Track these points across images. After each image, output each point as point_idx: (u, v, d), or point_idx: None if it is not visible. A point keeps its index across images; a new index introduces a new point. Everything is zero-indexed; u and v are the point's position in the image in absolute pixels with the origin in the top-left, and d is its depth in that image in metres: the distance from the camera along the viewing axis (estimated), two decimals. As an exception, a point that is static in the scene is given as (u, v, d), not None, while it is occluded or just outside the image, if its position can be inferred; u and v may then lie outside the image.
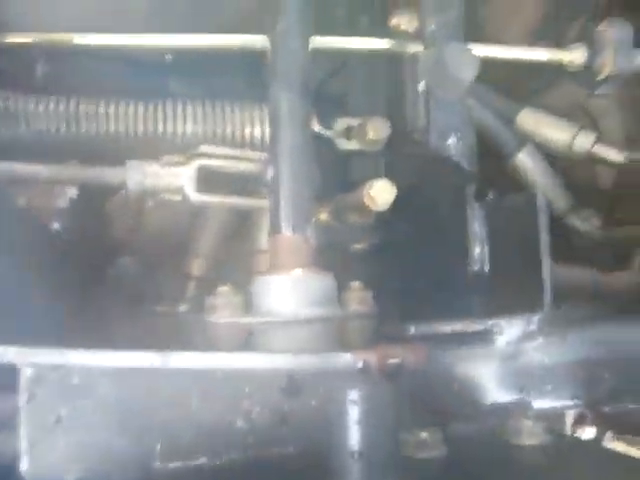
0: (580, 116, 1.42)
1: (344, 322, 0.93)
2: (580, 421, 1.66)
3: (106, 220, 1.45)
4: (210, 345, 0.89)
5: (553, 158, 1.35)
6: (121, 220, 1.46)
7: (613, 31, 1.20)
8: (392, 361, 0.65)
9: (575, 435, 1.67)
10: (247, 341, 0.93)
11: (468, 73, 1.05)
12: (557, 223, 1.33)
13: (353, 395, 0.67)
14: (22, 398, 0.75)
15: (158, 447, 0.79)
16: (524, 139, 1.31)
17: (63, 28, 1.17)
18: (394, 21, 1.20)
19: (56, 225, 1.29)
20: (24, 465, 0.75)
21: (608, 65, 1.21)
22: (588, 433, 1.71)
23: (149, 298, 1.35)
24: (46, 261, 1.09)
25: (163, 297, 1.36)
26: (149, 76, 1.38)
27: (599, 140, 1.31)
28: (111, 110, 1.17)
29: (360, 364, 0.64)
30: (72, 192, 1.26)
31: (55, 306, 1.06)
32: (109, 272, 1.41)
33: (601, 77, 1.22)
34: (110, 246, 1.43)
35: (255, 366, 0.67)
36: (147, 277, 1.39)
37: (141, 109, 1.18)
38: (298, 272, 0.99)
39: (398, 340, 0.76)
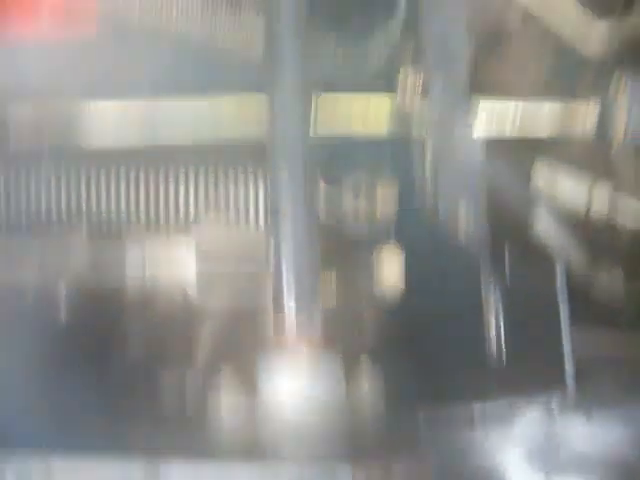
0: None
1: (349, 411, 0.89)
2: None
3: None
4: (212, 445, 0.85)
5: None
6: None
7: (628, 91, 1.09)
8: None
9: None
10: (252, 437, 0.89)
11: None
12: (580, 282, 1.26)
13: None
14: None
15: None
16: (538, 195, 1.25)
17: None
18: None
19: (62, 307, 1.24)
20: None
21: (620, 135, 1.11)
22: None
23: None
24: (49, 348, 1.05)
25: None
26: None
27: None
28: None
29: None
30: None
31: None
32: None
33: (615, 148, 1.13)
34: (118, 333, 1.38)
35: (250, 478, 0.63)
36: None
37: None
38: (301, 353, 0.96)
39: (402, 445, 0.72)
